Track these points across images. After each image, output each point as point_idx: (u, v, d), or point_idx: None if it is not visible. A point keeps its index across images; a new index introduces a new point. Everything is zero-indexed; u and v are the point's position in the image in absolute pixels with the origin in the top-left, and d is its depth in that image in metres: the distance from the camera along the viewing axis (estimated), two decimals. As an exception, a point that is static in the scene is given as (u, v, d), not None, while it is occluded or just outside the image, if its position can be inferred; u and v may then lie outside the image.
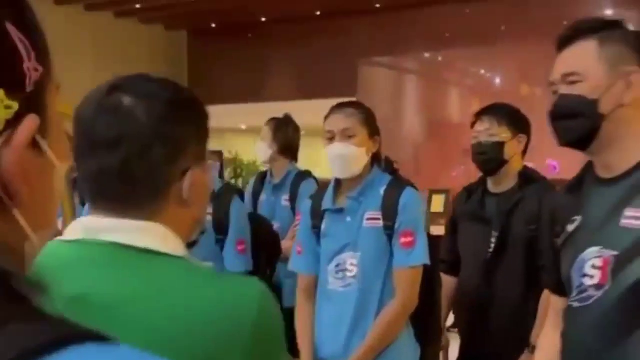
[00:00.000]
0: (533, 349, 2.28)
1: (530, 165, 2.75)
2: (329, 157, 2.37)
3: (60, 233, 0.98)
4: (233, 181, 11.84)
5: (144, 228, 0.95)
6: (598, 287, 1.39)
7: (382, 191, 2.36)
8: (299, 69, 10.97)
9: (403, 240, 2.29)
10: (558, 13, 7.73)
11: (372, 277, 2.33)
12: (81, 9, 10.09)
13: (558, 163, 7.03)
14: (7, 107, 0.52)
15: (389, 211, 2.31)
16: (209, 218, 2.70)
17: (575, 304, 1.45)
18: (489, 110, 2.68)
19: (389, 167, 3.55)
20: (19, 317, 0.45)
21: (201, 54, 11.75)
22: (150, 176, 0.96)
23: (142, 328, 0.87)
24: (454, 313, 2.89)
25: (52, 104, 0.60)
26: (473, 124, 2.69)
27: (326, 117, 2.44)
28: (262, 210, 3.62)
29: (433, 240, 2.51)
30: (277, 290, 2.93)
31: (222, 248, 2.74)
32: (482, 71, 10.16)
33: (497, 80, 10.21)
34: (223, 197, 2.73)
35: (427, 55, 10.31)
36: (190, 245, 1.04)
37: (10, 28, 0.55)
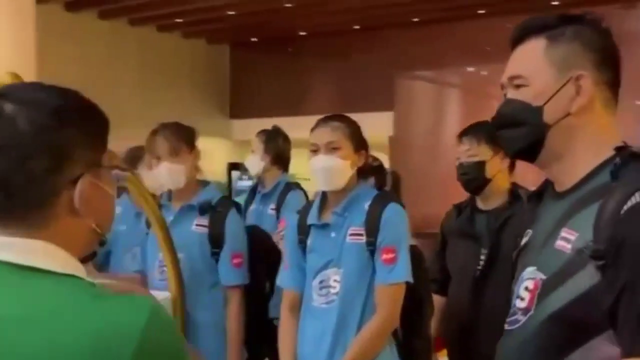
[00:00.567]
0: None
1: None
2: (312, 170, 2.37)
3: None
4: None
5: (22, 244, 0.91)
6: (525, 311, 1.27)
7: (366, 206, 2.34)
8: (337, 82, 11.01)
9: (384, 256, 2.26)
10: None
11: (354, 294, 2.30)
12: (125, 23, 10.34)
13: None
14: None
15: (372, 227, 2.28)
16: (205, 231, 2.73)
17: (506, 326, 1.34)
18: (468, 131, 2.69)
19: (397, 182, 3.55)
20: None
21: (242, 68, 11.89)
22: (32, 187, 0.92)
23: (12, 353, 0.84)
24: (442, 332, 2.83)
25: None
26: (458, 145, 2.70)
27: (312, 130, 2.43)
28: (249, 219, 3.72)
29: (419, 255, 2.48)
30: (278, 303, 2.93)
31: (217, 261, 2.75)
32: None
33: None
34: (219, 210, 2.75)
35: (467, 68, 10.22)
36: (90, 256, 1.04)
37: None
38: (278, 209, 3.75)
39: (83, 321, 0.86)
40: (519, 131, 1.32)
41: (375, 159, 3.63)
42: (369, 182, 3.31)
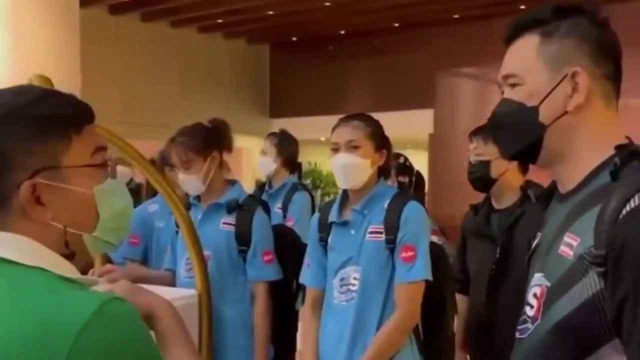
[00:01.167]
0: None
1: None
2: (333, 168, 2.39)
3: None
4: (314, 192, 11.98)
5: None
6: (533, 319, 1.22)
7: (385, 204, 2.35)
8: (377, 80, 10.99)
9: (404, 254, 2.26)
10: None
11: (373, 291, 2.31)
12: (167, 25, 10.51)
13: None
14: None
15: (391, 225, 2.29)
16: (232, 229, 2.77)
17: (517, 334, 1.28)
18: (478, 130, 2.67)
19: (420, 182, 3.55)
20: None
21: (282, 67, 11.97)
22: None
23: None
24: (464, 332, 2.82)
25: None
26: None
27: (333, 129, 2.44)
28: None
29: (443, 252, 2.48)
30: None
31: (244, 259, 2.79)
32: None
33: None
34: (246, 208, 2.78)
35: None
36: (69, 256, 1.04)
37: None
38: (284, 208, 3.96)
39: (31, 311, 0.90)
40: (514, 133, 1.27)
41: (405, 157, 3.64)
42: (391, 181, 3.32)
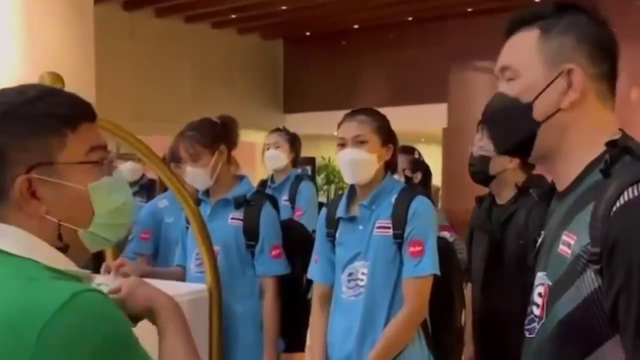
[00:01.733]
0: None
1: None
2: (339, 163, 2.39)
3: None
4: (325, 187, 11.97)
5: None
6: (539, 318, 1.22)
7: (393, 199, 2.35)
8: (391, 75, 10.97)
9: (411, 249, 2.26)
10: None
11: (381, 287, 2.31)
12: (181, 21, 10.54)
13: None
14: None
15: (399, 219, 2.29)
16: (240, 224, 2.78)
17: (526, 334, 1.28)
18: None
19: (427, 176, 3.54)
20: None
21: (296, 62, 11.97)
22: None
23: None
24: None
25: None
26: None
27: (339, 124, 2.44)
28: None
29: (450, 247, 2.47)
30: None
31: (252, 254, 2.80)
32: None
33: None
34: (253, 204, 2.79)
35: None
36: (62, 249, 1.08)
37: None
38: (291, 200, 4.05)
39: (8, 296, 0.94)
40: (507, 128, 1.26)
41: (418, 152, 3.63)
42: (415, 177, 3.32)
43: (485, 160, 2.53)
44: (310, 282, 2.95)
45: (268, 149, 4.29)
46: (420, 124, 10.57)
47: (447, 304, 2.45)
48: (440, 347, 2.40)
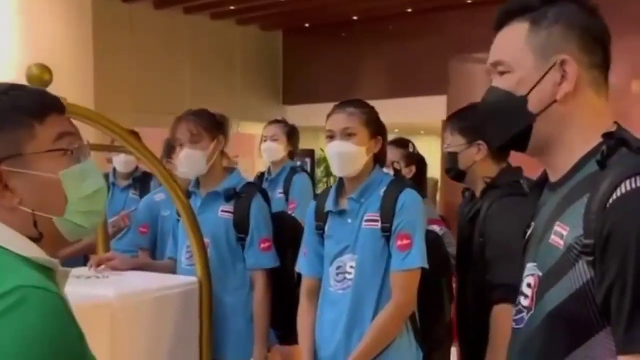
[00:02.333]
0: None
1: None
2: (328, 156, 2.38)
3: None
4: (325, 180, 11.95)
5: None
6: (528, 309, 1.22)
7: (382, 192, 2.33)
8: (391, 67, 10.92)
9: (399, 242, 2.25)
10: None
11: (369, 280, 2.30)
12: (180, 12, 10.49)
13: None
14: None
15: (387, 212, 2.27)
16: (231, 217, 2.77)
17: (514, 325, 1.28)
18: (448, 119, 2.62)
19: (423, 168, 3.50)
20: None
21: (295, 54, 11.92)
22: None
23: None
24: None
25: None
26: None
27: (328, 116, 2.42)
28: None
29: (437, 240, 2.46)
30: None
31: (243, 247, 2.79)
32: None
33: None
34: (244, 196, 2.78)
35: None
36: (36, 240, 1.09)
37: None
38: (286, 193, 4.01)
39: None
40: (503, 122, 1.26)
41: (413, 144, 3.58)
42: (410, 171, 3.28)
43: (453, 156, 2.51)
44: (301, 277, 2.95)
45: (265, 140, 4.24)
46: (420, 116, 10.53)
47: (435, 298, 2.44)
48: (428, 340, 2.40)
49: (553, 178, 1.27)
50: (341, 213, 2.39)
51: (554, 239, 1.17)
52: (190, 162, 2.77)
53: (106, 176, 4.19)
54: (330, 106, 2.48)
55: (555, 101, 1.21)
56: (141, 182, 4.30)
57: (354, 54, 11.09)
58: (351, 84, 11.05)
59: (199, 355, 2.62)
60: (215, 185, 2.82)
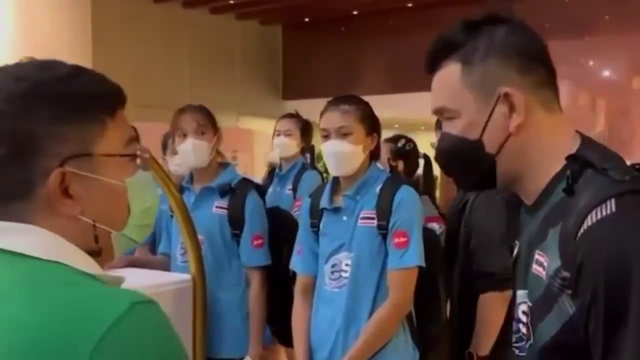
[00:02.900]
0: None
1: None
2: (324, 155, 2.33)
3: None
4: (325, 175, 11.92)
5: (7, 228, 0.86)
6: (527, 338, 1.19)
7: (377, 189, 2.29)
8: (391, 62, 10.88)
9: (396, 240, 2.21)
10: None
11: (365, 278, 2.26)
12: (179, 6, 10.45)
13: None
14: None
15: (383, 210, 2.23)
16: (225, 212, 2.73)
17: (516, 351, 1.24)
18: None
19: (429, 165, 3.47)
20: None
21: (295, 48, 11.89)
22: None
23: None
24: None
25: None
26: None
27: (322, 114, 2.37)
28: (268, 201, 3.73)
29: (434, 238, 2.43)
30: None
31: (238, 243, 2.75)
32: (591, 62, 9.69)
33: (606, 73, 9.71)
34: (239, 191, 2.74)
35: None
36: (96, 253, 0.93)
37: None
38: (295, 189, 3.86)
39: (48, 304, 0.80)
40: (464, 170, 1.22)
41: (409, 140, 3.54)
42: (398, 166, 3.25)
43: None
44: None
45: (278, 135, 4.04)
46: (420, 111, 10.47)
47: (432, 296, 2.40)
48: (425, 339, 2.36)
49: (527, 202, 1.23)
50: (336, 210, 2.35)
51: (536, 268, 1.15)
52: (196, 151, 2.72)
53: None
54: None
55: (509, 135, 1.16)
56: (139, 178, 4.26)
57: (353, 49, 11.05)
58: (351, 78, 11.01)
59: (192, 354, 2.58)
60: (209, 180, 2.78)
